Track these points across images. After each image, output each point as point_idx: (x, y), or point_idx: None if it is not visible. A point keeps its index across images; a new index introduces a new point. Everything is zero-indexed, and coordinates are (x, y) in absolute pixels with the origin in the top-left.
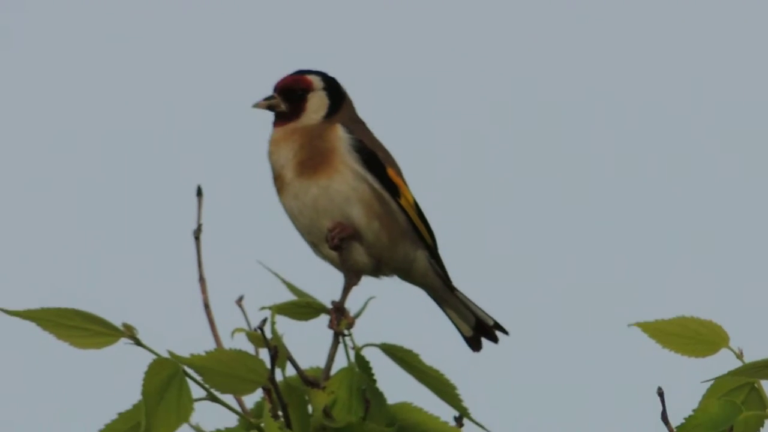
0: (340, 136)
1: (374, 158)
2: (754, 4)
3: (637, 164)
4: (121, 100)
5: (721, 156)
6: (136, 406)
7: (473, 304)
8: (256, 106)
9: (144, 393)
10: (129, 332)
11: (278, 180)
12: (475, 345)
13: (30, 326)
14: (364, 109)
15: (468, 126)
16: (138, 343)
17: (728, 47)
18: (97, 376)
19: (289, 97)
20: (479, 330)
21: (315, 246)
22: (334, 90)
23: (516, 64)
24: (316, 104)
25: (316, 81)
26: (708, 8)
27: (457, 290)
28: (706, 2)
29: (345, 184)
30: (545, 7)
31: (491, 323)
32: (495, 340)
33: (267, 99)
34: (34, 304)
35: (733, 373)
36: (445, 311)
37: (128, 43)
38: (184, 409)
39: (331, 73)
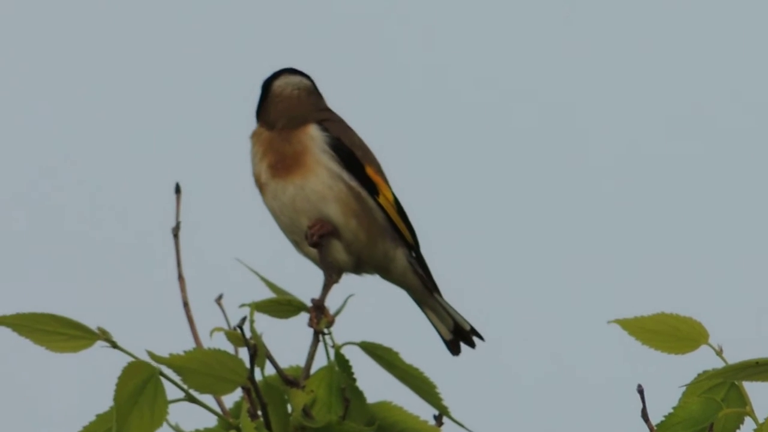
0: (313, 135)
1: (352, 156)
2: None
3: (613, 160)
4: (102, 94)
5: (699, 152)
6: (112, 409)
7: (451, 307)
8: None
9: (116, 397)
10: (104, 335)
11: (257, 180)
12: (454, 348)
13: (5, 332)
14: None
15: (456, 124)
16: (114, 345)
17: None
18: (75, 379)
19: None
20: (457, 334)
21: (297, 244)
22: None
23: (502, 60)
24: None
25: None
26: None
27: (437, 293)
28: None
29: (320, 183)
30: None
31: (468, 328)
32: (472, 345)
33: None
34: (9, 310)
35: (712, 375)
36: (424, 312)
37: (103, 37)
38: (158, 413)
39: (298, 68)
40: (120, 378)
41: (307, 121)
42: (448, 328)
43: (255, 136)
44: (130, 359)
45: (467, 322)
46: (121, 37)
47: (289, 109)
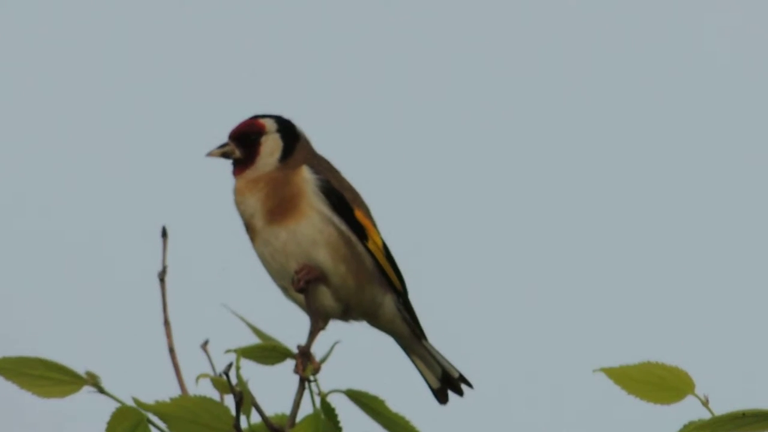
0: (306, 177)
1: (342, 199)
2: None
3: (600, 202)
4: (89, 139)
5: (684, 202)
6: None
7: (439, 354)
8: (210, 154)
9: None
10: (92, 380)
11: (250, 229)
12: (441, 397)
13: None
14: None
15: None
16: (101, 390)
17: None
18: (62, 424)
19: (243, 142)
20: (445, 381)
21: (285, 290)
22: (288, 131)
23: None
24: (270, 147)
25: (269, 124)
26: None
27: (425, 340)
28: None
29: (311, 227)
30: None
31: (456, 375)
32: (460, 393)
33: (221, 147)
34: None
35: (699, 426)
36: (412, 360)
37: (87, 92)
38: None
39: (286, 116)
40: (109, 423)
41: (297, 164)
42: (436, 375)
43: (252, 181)
44: (117, 404)
45: (455, 369)
46: (106, 78)
47: (309, 152)
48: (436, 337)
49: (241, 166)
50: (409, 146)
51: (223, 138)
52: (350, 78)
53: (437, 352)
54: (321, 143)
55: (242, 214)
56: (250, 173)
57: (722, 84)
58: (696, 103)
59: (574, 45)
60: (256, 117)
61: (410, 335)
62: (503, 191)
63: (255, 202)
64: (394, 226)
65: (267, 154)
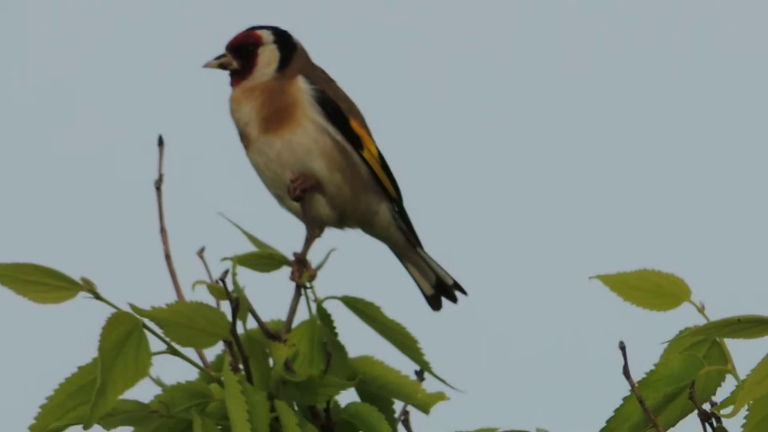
0: (301, 87)
1: (337, 110)
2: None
3: (596, 115)
4: (85, 49)
5: (680, 110)
6: (96, 360)
7: (434, 262)
8: (207, 65)
9: (101, 348)
10: (88, 286)
11: (244, 138)
12: (435, 303)
13: None
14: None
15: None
16: (97, 296)
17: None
18: (56, 330)
19: (240, 53)
20: (439, 288)
21: (280, 198)
22: (285, 42)
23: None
24: (267, 58)
25: (266, 35)
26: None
27: (420, 247)
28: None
29: (307, 136)
30: None
31: (451, 283)
32: (454, 299)
33: (218, 58)
34: None
35: (694, 332)
36: (406, 267)
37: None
38: (142, 363)
39: (283, 27)
40: (104, 328)
41: (293, 74)
42: (430, 283)
43: (248, 90)
44: (113, 310)
45: (450, 276)
46: None
47: (306, 63)
48: (431, 245)
49: (238, 76)
50: (408, 146)
51: (221, 50)
52: (350, 78)
53: (432, 259)
54: None
55: (237, 123)
56: (247, 83)
57: (722, 84)
58: (696, 102)
59: (574, 45)
60: (253, 28)
61: (405, 243)
62: (491, 91)
63: (250, 111)
64: (387, 133)
65: (264, 64)
